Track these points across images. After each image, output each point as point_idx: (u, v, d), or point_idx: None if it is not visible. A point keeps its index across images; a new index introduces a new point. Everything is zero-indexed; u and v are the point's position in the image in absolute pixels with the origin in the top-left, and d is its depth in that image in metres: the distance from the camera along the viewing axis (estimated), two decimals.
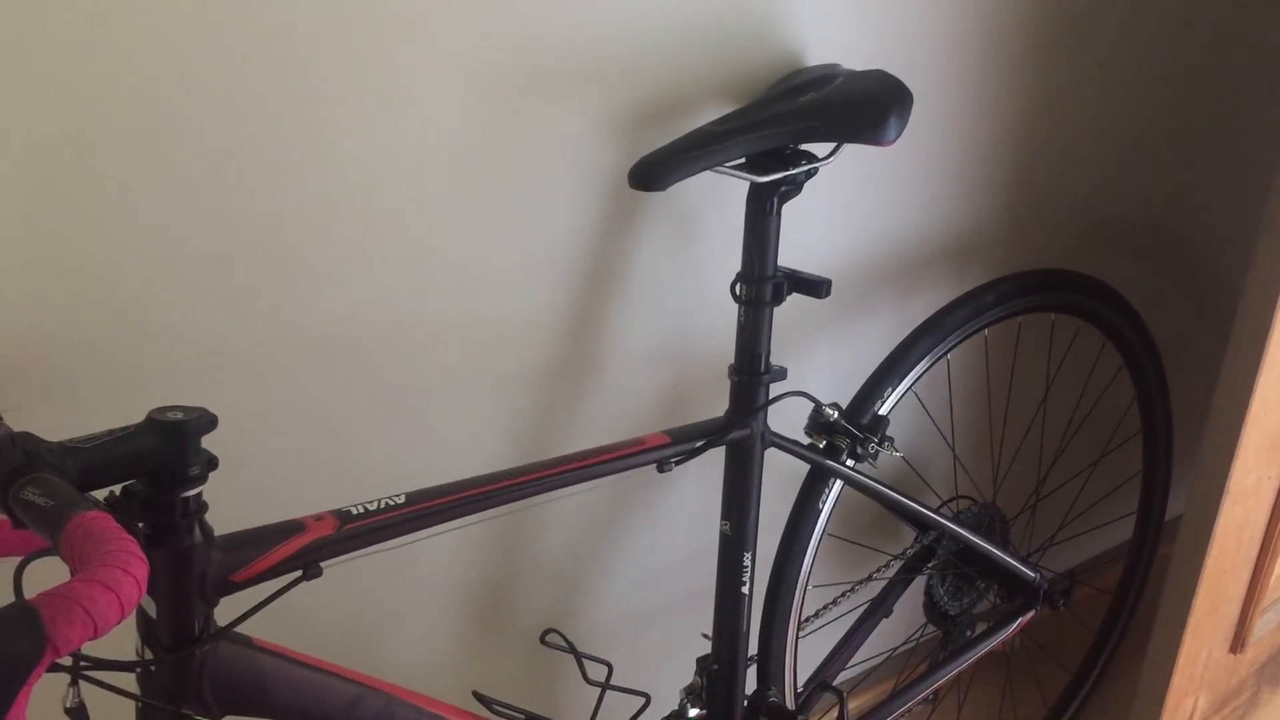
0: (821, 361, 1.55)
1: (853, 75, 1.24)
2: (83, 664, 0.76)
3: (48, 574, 0.68)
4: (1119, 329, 1.69)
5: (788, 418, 1.27)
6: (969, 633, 1.64)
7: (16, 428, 0.74)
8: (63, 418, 0.86)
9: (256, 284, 1.04)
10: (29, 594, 0.57)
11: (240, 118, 0.98)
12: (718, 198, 1.32)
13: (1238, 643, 1.73)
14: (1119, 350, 1.73)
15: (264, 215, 1.02)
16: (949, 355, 1.47)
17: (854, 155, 1.19)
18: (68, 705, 0.78)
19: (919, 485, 1.69)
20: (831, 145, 1.17)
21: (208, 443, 0.78)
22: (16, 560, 0.73)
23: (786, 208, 1.17)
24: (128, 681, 0.81)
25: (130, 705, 0.83)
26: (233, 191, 1.00)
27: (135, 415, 0.77)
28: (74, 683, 0.77)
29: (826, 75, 1.23)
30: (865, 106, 1.17)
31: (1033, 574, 1.62)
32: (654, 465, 1.13)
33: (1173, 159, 1.95)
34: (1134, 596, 1.95)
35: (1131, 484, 1.89)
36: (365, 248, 1.09)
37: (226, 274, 1.02)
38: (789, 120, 1.13)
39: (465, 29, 1.07)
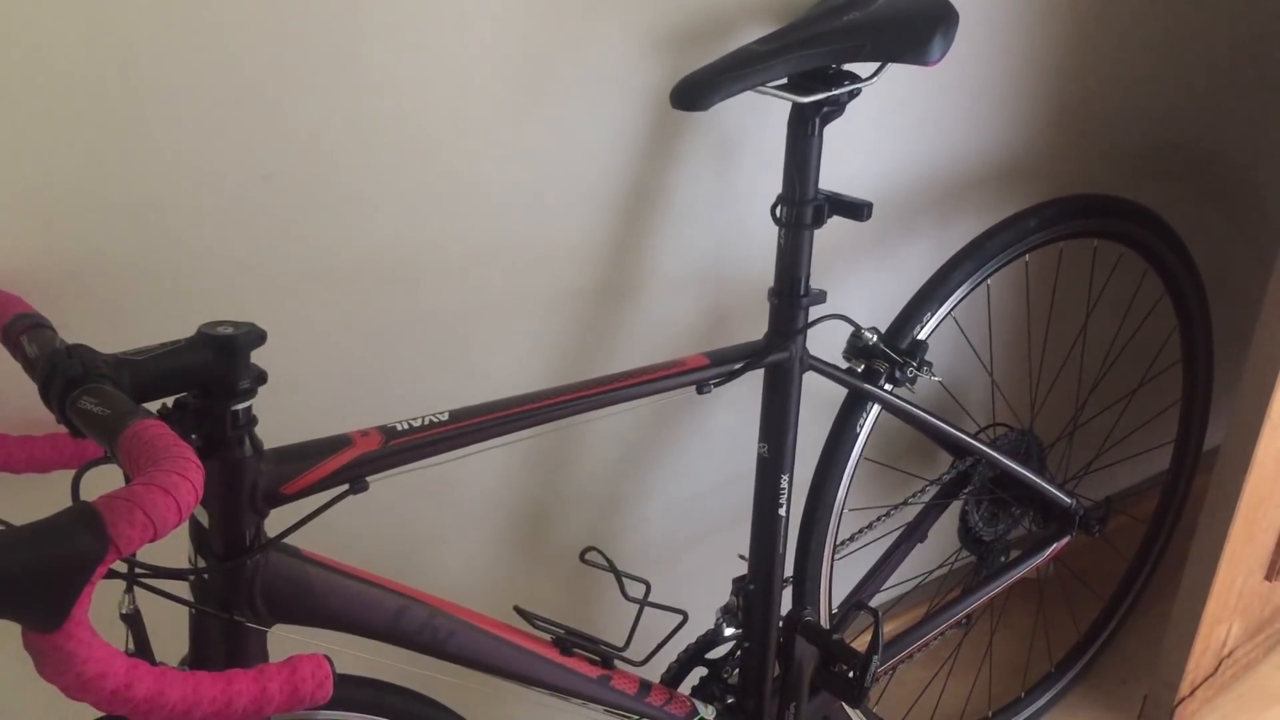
0: (861, 285, 1.55)
1: None
2: (138, 571, 0.77)
3: (102, 485, 0.70)
4: (1162, 256, 1.67)
5: (827, 341, 1.27)
6: (1003, 558, 1.65)
7: (70, 341, 0.76)
8: (113, 332, 0.88)
9: (301, 204, 1.04)
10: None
11: (283, 36, 0.98)
12: (759, 119, 1.31)
13: (1273, 570, 1.74)
14: (1161, 277, 1.71)
15: (308, 135, 1.02)
16: (989, 280, 1.46)
17: (898, 76, 1.18)
18: (123, 611, 0.80)
19: (956, 411, 1.69)
20: (875, 65, 1.15)
21: (256, 358, 0.79)
22: (71, 472, 0.75)
23: (828, 129, 1.16)
24: (181, 590, 0.83)
25: (183, 613, 0.85)
26: (277, 111, 1.00)
27: (183, 331, 0.78)
28: (129, 589, 0.79)
29: None
30: (910, 25, 1.15)
31: (1069, 500, 1.62)
32: (693, 387, 1.13)
33: (1226, 86, 1.91)
34: (1169, 525, 1.95)
35: (1170, 413, 1.88)
36: (406, 168, 1.09)
37: (271, 193, 1.02)
38: (832, 39, 1.12)
39: None
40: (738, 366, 1.16)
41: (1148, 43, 1.75)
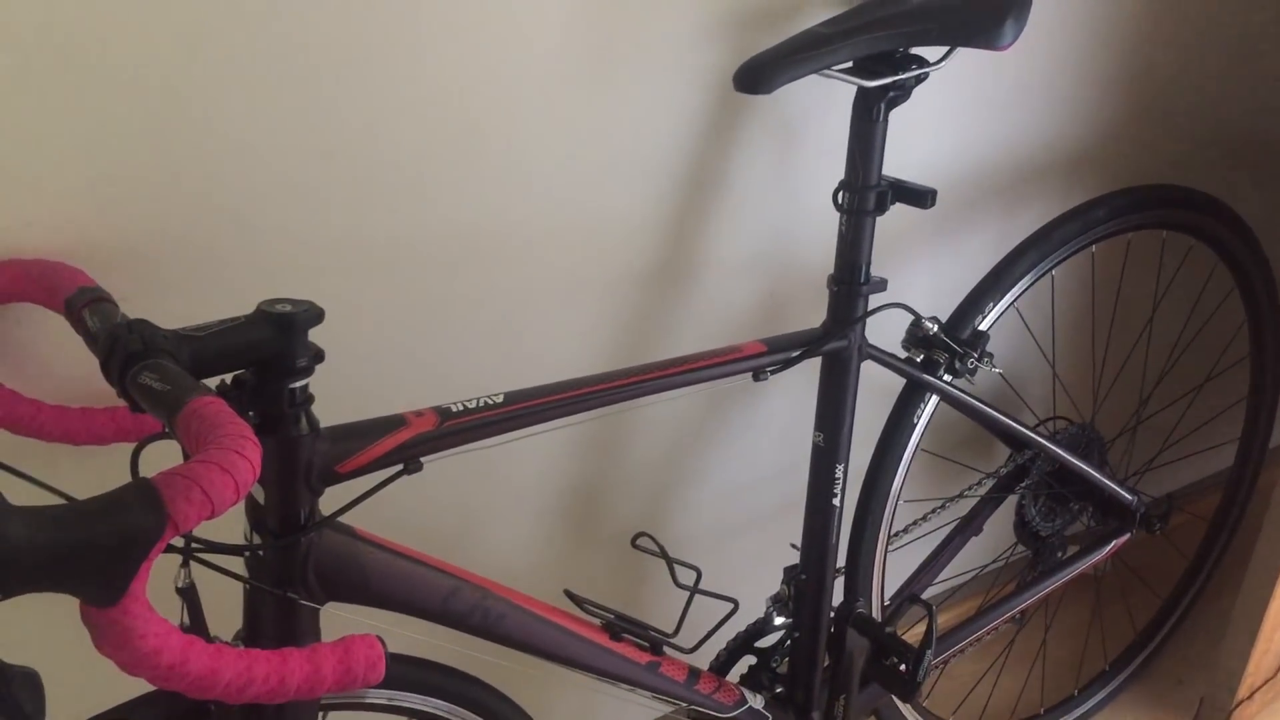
0: (922, 273, 1.52)
1: None
2: (195, 546, 0.78)
3: (161, 458, 0.70)
4: (1233, 249, 1.63)
5: (885, 330, 1.25)
6: (1060, 554, 1.62)
7: (131, 315, 0.76)
8: (174, 307, 0.88)
9: (360, 184, 1.04)
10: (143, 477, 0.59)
11: (342, 18, 0.97)
12: (823, 102, 1.29)
13: None
14: (1231, 271, 1.67)
15: (367, 115, 1.02)
16: (1054, 271, 1.43)
17: (966, 60, 1.15)
18: (179, 585, 0.81)
19: (1016, 403, 1.66)
20: (944, 49, 1.13)
21: (314, 336, 0.79)
22: (130, 445, 0.75)
23: (893, 114, 1.14)
24: (236, 566, 0.83)
25: (237, 589, 0.85)
26: (338, 88, 1.00)
27: (242, 307, 0.78)
28: (185, 564, 0.80)
29: None
30: (981, 9, 1.12)
31: (1129, 496, 1.59)
32: (750, 374, 1.12)
33: None
34: (1232, 523, 1.91)
35: (1236, 409, 1.84)
36: (465, 149, 1.09)
37: (330, 173, 1.02)
38: (901, 22, 1.10)
39: None
40: (795, 354, 1.14)
41: (1225, 31, 1.70)
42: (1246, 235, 1.62)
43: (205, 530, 0.70)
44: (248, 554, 0.84)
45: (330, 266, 1.05)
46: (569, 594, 1.08)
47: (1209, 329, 1.78)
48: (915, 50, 1.12)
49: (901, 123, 1.18)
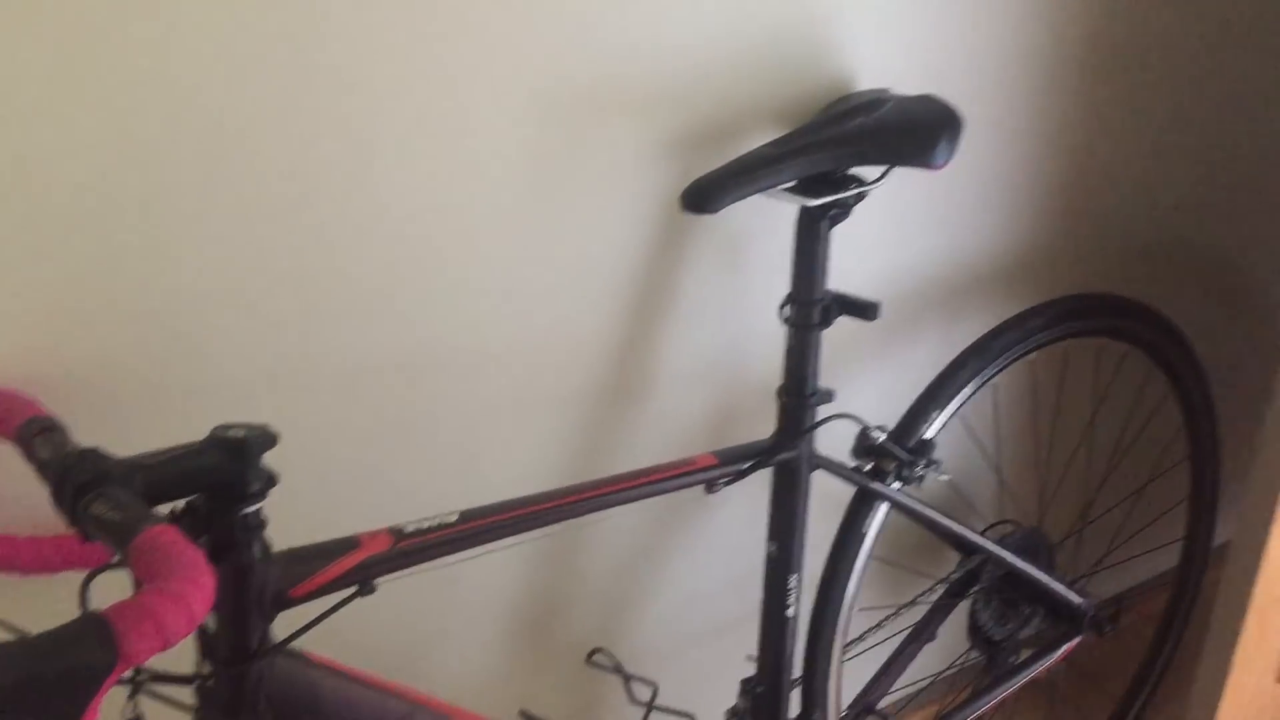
0: (868, 383, 1.55)
1: (903, 100, 1.25)
2: (143, 676, 0.77)
3: (110, 587, 0.70)
4: (1166, 353, 1.67)
5: (835, 439, 1.27)
6: (1013, 658, 1.63)
7: (83, 442, 0.76)
8: (129, 433, 0.88)
9: (312, 306, 1.05)
10: (92, 607, 0.59)
11: (295, 143, 0.99)
12: (767, 220, 1.32)
13: None
14: (1166, 375, 1.71)
15: (320, 238, 1.03)
16: (996, 379, 1.47)
17: (904, 178, 1.19)
18: (126, 718, 0.79)
19: (964, 509, 1.68)
20: (881, 169, 1.17)
21: (267, 460, 0.79)
22: (80, 574, 0.75)
23: (835, 230, 1.18)
24: (185, 694, 0.82)
25: (187, 718, 0.84)
26: (289, 215, 1.01)
27: (196, 431, 0.79)
28: (133, 695, 0.79)
29: (876, 100, 1.24)
30: (915, 131, 1.17)
31: (1078, 599, 1.60)
32: (702, 486, 1.13)
33: (1228, 184, 1.93)
34: (1180, 622, 1.92)
35: (1179, 509, 1.87)
36: (418, 270, 1.10)
37: (283, 297, 1.03)
38: (839, 144, 1.14)
39: (522, 50, 1.08)
40: (746, 466, 1.15)
41: (1150, 144, 1.77)
42: (1178, 340, 1.67)
43: (155, 658, 0.69)
44: (197, 683, 0.83)
45: (284, 388, 1.06)
46: (524, 714, 1.07)
47: (1149, 431, 1.82)
48: (855, 170, 1.17)
49: (845, 238, 1.21)
